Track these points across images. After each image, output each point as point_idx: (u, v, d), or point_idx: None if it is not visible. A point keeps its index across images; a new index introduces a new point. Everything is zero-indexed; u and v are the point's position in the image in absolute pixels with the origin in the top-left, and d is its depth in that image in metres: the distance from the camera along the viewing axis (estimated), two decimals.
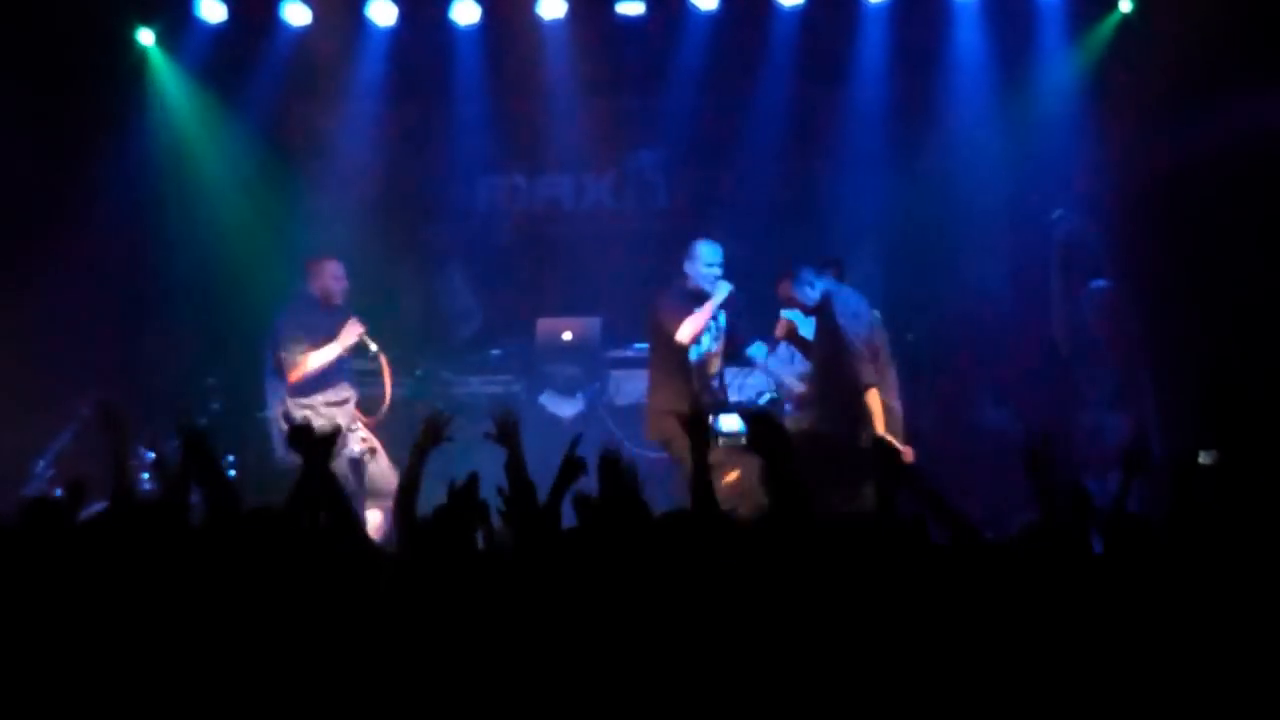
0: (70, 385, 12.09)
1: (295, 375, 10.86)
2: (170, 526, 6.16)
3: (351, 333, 10.92)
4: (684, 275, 10.92)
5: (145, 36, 13.14)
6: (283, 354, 10.90)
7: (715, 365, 11.03)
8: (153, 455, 10.76)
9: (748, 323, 11.20)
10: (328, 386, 11.00)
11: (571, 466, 6.37)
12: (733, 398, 11.23)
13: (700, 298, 10.81)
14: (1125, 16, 12.70)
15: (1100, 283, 12.04)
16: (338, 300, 11.10)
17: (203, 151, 13.37)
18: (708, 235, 11.70)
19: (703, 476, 6.23)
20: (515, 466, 6.41)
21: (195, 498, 6.50)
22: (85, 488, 6.88)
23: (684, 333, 10.75)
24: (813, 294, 10.65)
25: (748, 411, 6.33)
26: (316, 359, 10.86)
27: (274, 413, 11.02)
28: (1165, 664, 5.09)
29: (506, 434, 6.65)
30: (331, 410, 10.88)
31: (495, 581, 5.55)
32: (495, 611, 5.42)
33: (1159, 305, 12.22)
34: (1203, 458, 6.55)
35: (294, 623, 5.41)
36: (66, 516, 6.51)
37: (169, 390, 12.43)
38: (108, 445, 6.97)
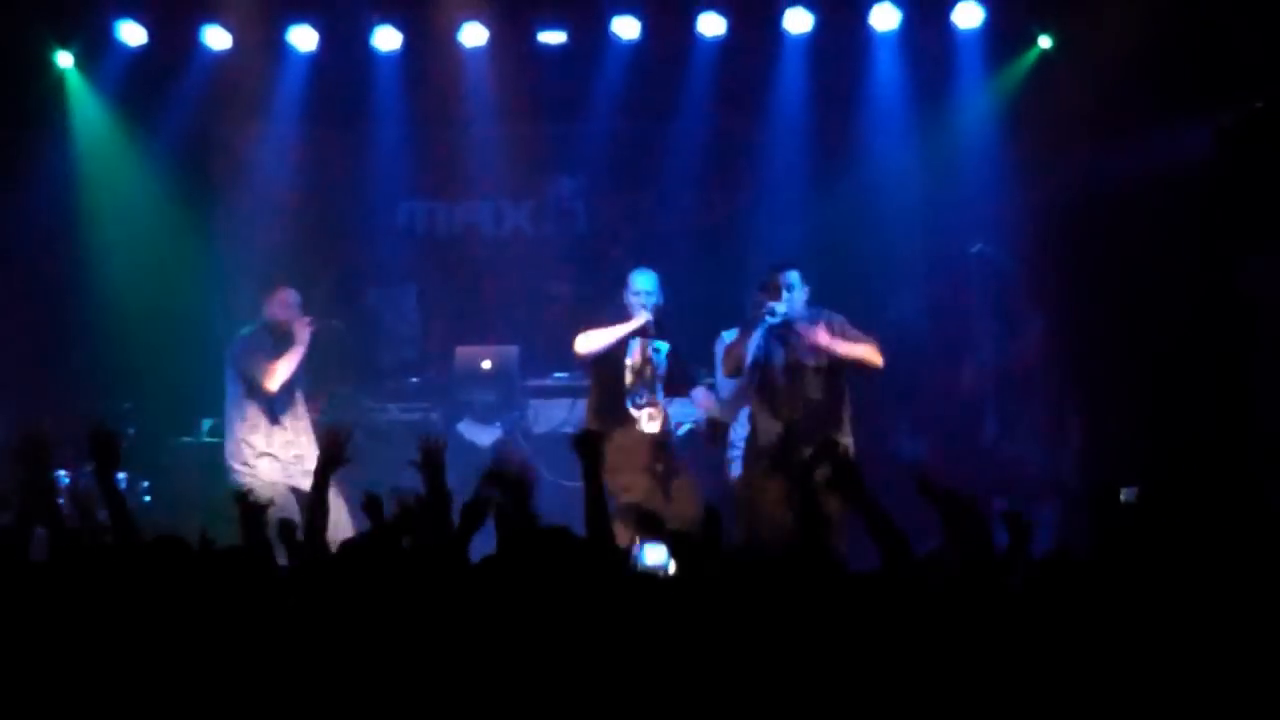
0: None
1: (271, 383, 10.84)
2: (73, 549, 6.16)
3: (304, 332, 10.89)
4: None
5: (64, 59, 13.05)
6: (252, 373, 10.87)
7: (644, 390, 10.95)
8: (68, 479, 10.66)
9: (687, 362, 11.14)
10: (288, 410, 11.00)
11: (480, 503, 6.34)
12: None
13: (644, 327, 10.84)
14: (1044, 52, 12.79)
15: (1034, 316, 12.15)
16: (288, 328, 11.06)
17: (120, 175, 13.29)
18: (636, 264, 11.73)
19: (597, 502, 6.27)
20: (436, 493, 6.40)
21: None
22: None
23: (579, 343, 10.78)
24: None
25: (826, 451, 6.17)
26: (286, 365, 10.83)
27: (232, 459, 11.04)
28: (1089, 700, 5.12)
29: (430, 463, 6.63)
30: (289, 452, 10.90)
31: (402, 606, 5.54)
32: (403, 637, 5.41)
33: (1075, 337, 12.32)
34: (1124, 494, 6.60)
35: (202, 650, 5.38)
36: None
37: (84, 414, 12.33)
38: (27, 470, 6.91)
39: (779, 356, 10.47)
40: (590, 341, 10.78)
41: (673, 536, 6.22)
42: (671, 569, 6.88)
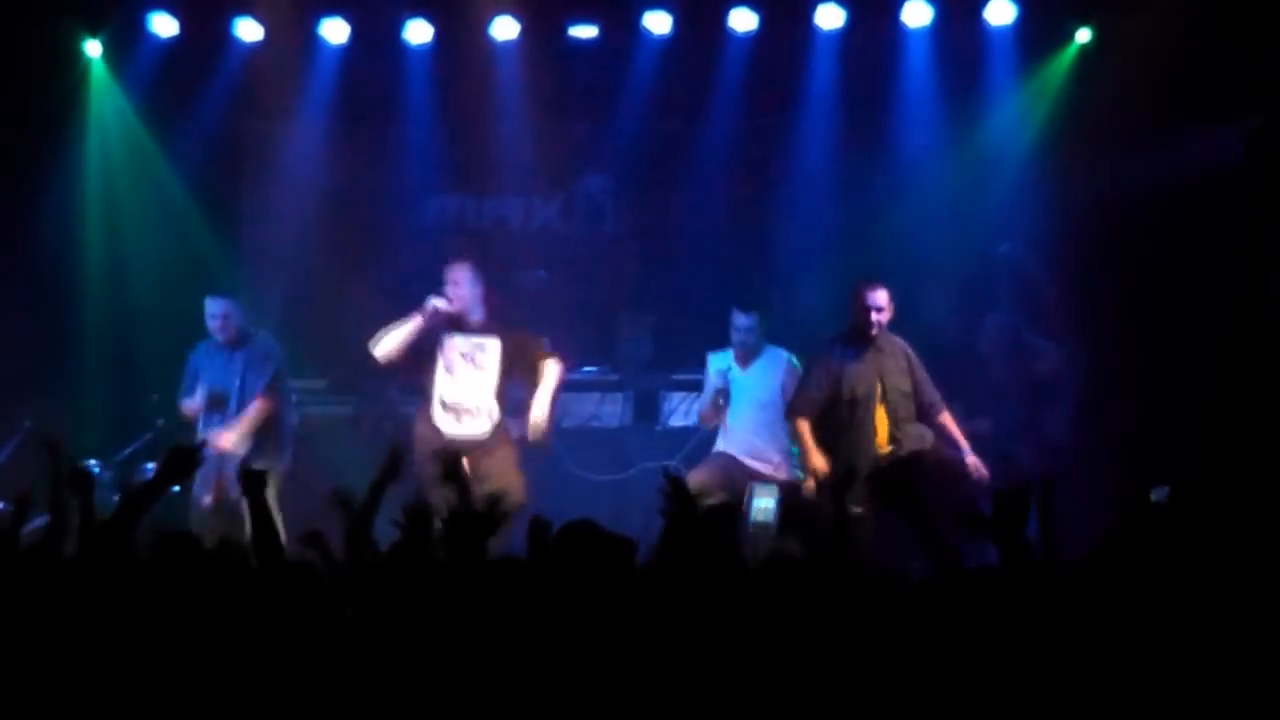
0: (9, 398, 12.01)
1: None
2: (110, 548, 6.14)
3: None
4: None
5: (93, 48, 13.05)
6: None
7: (461, 394, 10.87)
8: (98, 469, 10.68)
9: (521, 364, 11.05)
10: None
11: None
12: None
13: (449, 319, 10.88)
14: (1083, 47, 12.73)
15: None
16: (219, 338, 11.19)
17: (147, 166, 13.28)
18: (655, 260, 11.71)
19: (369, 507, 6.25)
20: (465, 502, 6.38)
21: None
22: (29, 502, 6.82)
23: (372, 349, 10.80)
24: None
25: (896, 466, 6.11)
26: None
27: None
28: (1126, 702, 5.09)
29: (452, 475, 6.61)
30: None
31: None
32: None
33: (1106, 337, 12.26)
34: (1155, 494, 6.55)
35: (241, 653, 5.38)
36: (10, 533, 6.46)
37: (111, 405, 12.37)
38: (47, 465, 6.92)
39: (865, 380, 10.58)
40: (376, 337, 10.82)
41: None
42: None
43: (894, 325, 10.83)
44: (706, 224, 13.84)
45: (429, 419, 10.72)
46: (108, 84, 13.17)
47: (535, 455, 11.51)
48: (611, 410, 12.35)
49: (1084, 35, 12.70)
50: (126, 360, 12.87)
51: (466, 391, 10.74)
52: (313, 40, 13.23)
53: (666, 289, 13.56)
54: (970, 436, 10.92)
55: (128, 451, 11.87)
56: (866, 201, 13.41)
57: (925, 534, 5.93)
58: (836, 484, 6.96)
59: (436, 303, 10.66)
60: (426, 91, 13.45)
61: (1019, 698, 5.11)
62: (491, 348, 10.80)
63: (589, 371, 12.71)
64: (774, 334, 11.60)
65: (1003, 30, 12.85)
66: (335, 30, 13.13)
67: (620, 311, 13.49)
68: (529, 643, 5.33)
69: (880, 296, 10.58)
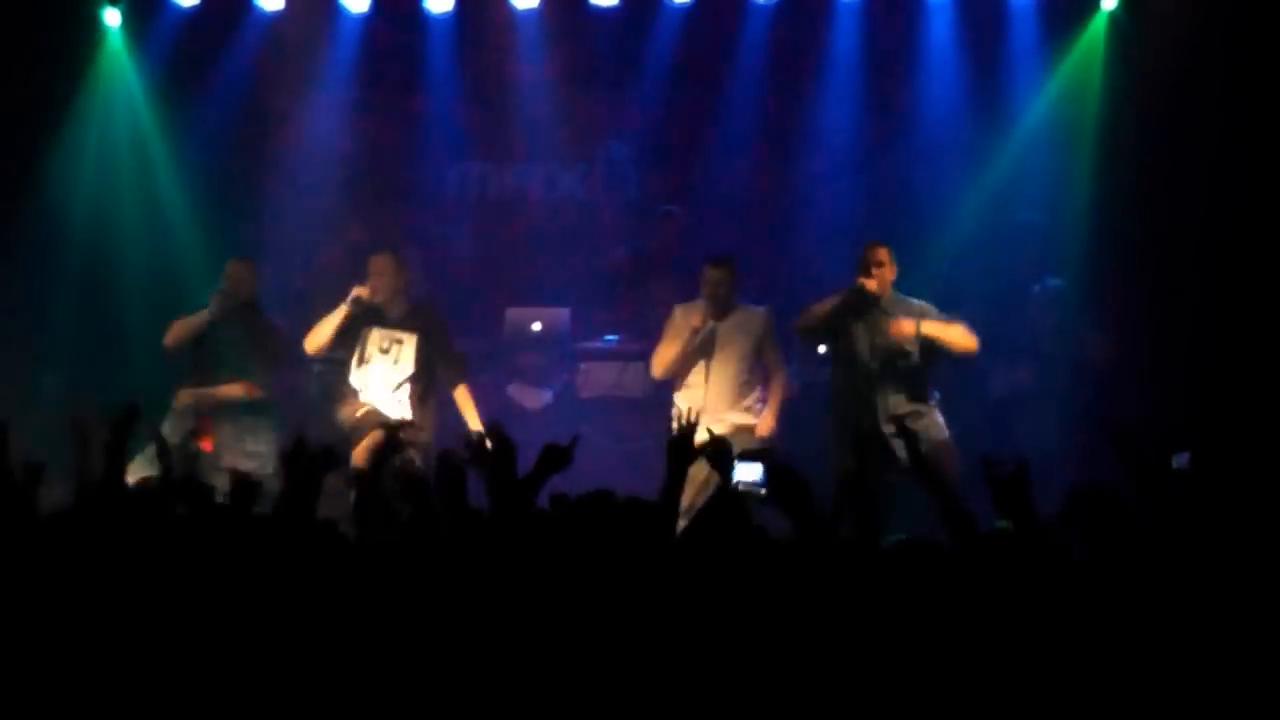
0: (32, 366, 12.06)
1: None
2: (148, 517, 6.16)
3: None
4: None
5: (111, 17, 13.03)
6: None
7: (371, 387, 10.79)
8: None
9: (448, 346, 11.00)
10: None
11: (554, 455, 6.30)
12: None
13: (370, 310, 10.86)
14: (1111, 14, 12.66)
15: (1052, 281, 12.06)
16: None
17: (167, 137, 13.27)
18: (679, 230, 11.66)
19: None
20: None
21: None
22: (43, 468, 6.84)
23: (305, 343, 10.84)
24: None
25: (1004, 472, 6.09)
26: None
27: None
28: (1145, 671, 5.08)
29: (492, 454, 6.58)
30: None
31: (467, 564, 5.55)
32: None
33: (1131, 310, 12.24)
34: (1176, 461, 6.53)
35: (270, 617, 5.39)
36: (27, 493, 6.46)
37: (138, 372, 12.38)
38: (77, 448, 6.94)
39: (864, 337, 10.50)
40: (311, 338, 10.84)
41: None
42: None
43: (915, 292, 10.83)
44: (729, 191, 13.83)
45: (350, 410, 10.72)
46: (123, 54, 13.13)
47: (561, 422, 11.56)
48: (634, 378, 12.32)
49: (1110, 2, 12.64)
50: (149, 336, 12.85)
51: (377, 384, 10.69)
52: (334, 9, 13.24)
53: (689, 257, 13.54)
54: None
55: None
56: (889, 170, 13.41)
57: (944, 500, 5.94)
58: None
59: (359, 292, 10.63)
60: (448, 60, 13.45)
61: (1042, 668, 5.11)
62: (409, 342, 10.72)
63: (611, 340, 12.71)
64: (792, 305, 11.56)
65: (1025, 1, 12.82)
66: None
67: (647, 279, 13.45)
68: (550, 614, 5.34)
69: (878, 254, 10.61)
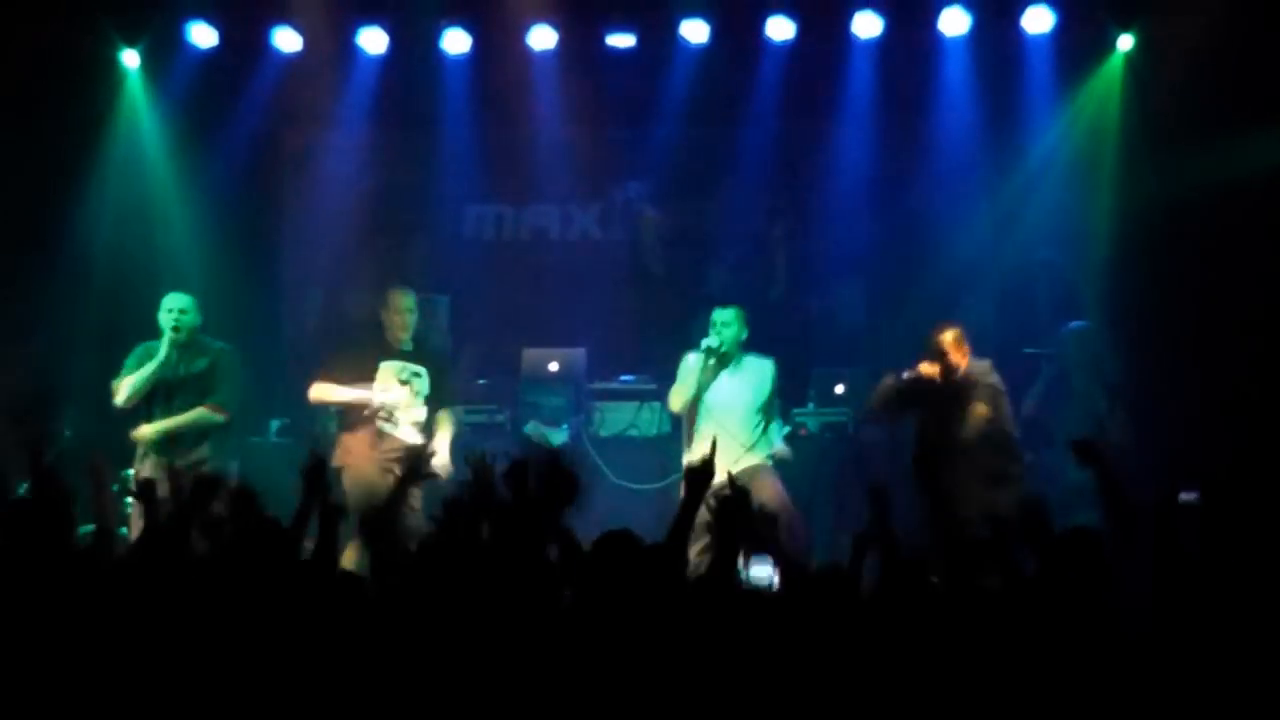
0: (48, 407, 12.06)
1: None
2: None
3: None
4: None
5: (130, 59, 13.07)
6: None
7: (403, 412, 10.70)
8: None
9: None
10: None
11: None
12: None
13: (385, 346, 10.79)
14: (1128, 55, 12.68)
15: (1078, 324, 12.04)
16: None
17: (184, 177, 13.30)
18: (694, 268, 11.62)
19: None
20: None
21: None
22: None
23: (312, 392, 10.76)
24: None
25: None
26: None
27: None
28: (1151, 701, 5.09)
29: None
30: None
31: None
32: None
33: (1145, 346, 12.23)
34: (1184, 497, 6.54)
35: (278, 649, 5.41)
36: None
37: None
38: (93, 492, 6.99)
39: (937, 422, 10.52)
40: (319, 394, 10.75)
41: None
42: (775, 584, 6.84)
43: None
44: (745, 229, 13.85)
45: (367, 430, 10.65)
46: (142, 96, 13.17)
47: (576, 462, 11.51)
48: (649, 419, 12.32)
49: (1126, 42, 12.65)
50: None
51: (397, 409, 10.61)
52: (351, 50, 13.24)
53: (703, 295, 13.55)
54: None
55: None
56: (904, 209, 13.41)
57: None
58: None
59: (385, 406, 10.57)
60: (464, 101, 13.46)
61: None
62: (424, 375, 10.69)
63: (627, 380, 12.70)
64: (809, 341, 11.56)
65: (1041, 38, 12.82)
66: (373, 40, 13.15)
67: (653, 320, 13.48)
68: (567, 652, 5.35)
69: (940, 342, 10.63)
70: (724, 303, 10.88)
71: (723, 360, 10.72)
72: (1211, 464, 10.12)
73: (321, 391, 10.67)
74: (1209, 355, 12.00)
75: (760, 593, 6.54)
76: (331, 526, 6.36)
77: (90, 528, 7.31)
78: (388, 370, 10.62)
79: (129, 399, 10.53)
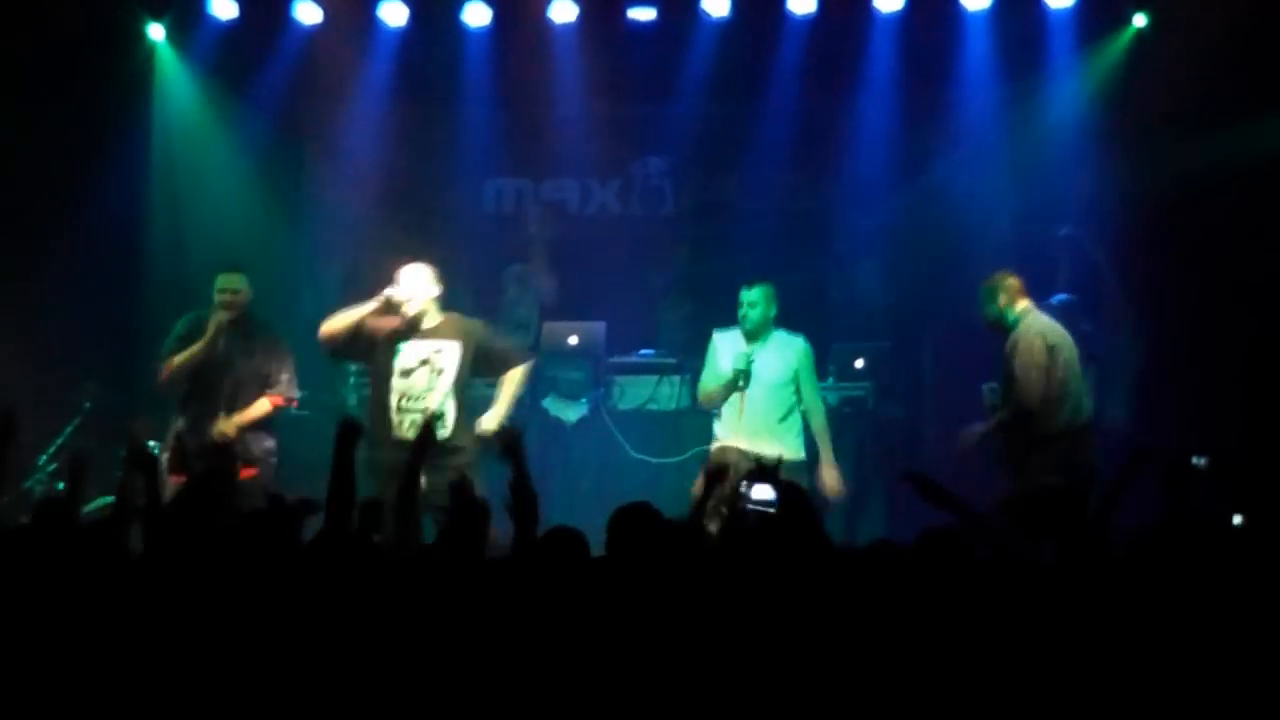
0: (71, 380, 12.08)
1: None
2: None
3: None
4: None
5: (155, 32, 13.11)
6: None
7: (416, 397, 10.27)
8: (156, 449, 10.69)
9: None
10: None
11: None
12: None
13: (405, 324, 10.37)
14: (1139, 31, 12.67)
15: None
16: None
17: (209, 148, 13.35)
18: (715, 242, 11.59)
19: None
20: (520, 480, 6.38)
21: None
22: (82, 475, 6.88)
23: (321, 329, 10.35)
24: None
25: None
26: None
27: None
28: (1163, 671, 5.09)
29: (512, 450, 6.60)
30: None
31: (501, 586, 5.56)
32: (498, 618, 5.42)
33: (1164, 321, 12.23)
34: (1195, 461, 6.57)
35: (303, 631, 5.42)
36: (68, 507, 6.51)
37: None
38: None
39: None
40: (326, 323, 10.32)
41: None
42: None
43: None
44: (766, 204, 13.84)
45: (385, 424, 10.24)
46: (175, 65, 13.21)
47: (595, 436, 11.56)
48: (668, 393, 12.32)
49: (1140, 20, 12.64)
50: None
51: (423, 395, 10.24)
52: (372, 23, 13.26)
53: (723, 271, 13.54)
54: None
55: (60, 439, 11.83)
56: (925, 184, 13.40)
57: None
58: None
59: (390, 293, 10.21)
60: (485, 75, 13.46)
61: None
62: (450, 349, 10.29)
63: (646, 354, 12.70)
64: (829, 316, 11.54)
65: (1062, 13, 12.82)
66: (394, 13, 13.16)
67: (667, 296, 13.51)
68: (587, 625, 5.35)
69: None
70: (750, 281, 10.80)
71: (752, 338, 10.69)
72: (1226, 436, 10.18)
73: (331, 323, 10.24)
74: (1227, 332, 12.02)
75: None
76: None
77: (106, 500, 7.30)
78: (411, 349, 10.45)
79: (172, 380, 10.50)
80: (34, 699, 5.30)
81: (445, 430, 10.00)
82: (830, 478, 10.60)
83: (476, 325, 10.47)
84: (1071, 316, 11.28)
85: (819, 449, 10.69)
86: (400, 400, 10.27)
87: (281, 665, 5.31)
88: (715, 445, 10.57)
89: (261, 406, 10.54)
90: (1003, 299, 10.32)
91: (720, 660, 5.21)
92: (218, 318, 10.46)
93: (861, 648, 5.21)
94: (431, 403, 10.17)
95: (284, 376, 10.65)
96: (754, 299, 10.62)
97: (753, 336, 10.64)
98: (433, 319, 10.36)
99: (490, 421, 9.94)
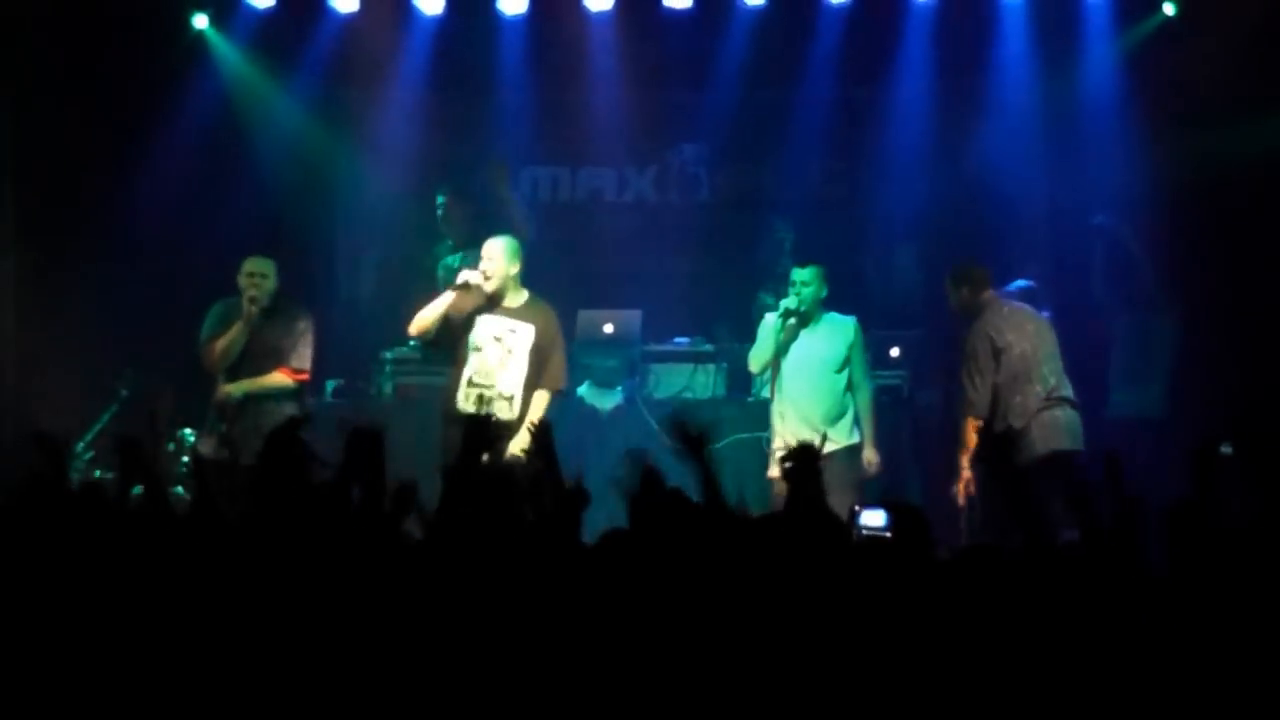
0: (110, 367, 12.14)
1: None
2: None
3: None
4: None
5: (199, 20, 13.16)
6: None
7: (487, 374, 10.43)
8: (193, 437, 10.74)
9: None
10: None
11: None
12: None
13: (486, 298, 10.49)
14: (1167, 19, 12.65)
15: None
16: None
17: (247, 136, 13.37)
18: (751, 229, 11.59)
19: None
20: (551, 474, 6.36)
21: None
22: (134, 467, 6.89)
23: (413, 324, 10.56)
24: None
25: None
26: None
27: None
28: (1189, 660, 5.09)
29: (542, 445, 6.58)
30: None
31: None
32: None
33: (1198, 308, 12.22)
34: (1224, 448, 6.55)
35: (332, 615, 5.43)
36: (119, 498, 6.52)
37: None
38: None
39: None
40: (416, 321, 10.50)
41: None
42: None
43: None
44: (801, 192, 13.84)
45: (454, 398, 10.42)
46: (220, 53, 13.26)
47: (630, 424, 11.56)
48: (704, 381, 12.32)
49: (1169, 8, 12.62)
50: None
51: (492, 372, 10.43)
52: (407, 11, 13.29)
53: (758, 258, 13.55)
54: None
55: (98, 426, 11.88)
56: (960, 170, 13.39)
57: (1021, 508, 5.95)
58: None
59: (468, 276, 10.38)
60: (520, 62, 13.48)
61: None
62: (524, 332, 10.44)
63: (682, 342, 12.70)
64: (865, 304, 11.53)
65: (1098, 3, 12.80)
66: (430, 1, 13.17)
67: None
68: (623, 615, 5.36)
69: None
70: (802, 262, 10.92)
71: (803, 319, 10.75)
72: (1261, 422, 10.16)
73: (419, 320, 10.44)
74: (1263, 320, 12.01)
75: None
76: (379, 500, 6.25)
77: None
78: (485, 323, 10.45)
79: (220, 365, 10.55)
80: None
81: (512, 413, 10.15)
82: (871, 458, 10.76)
83: (553, 319, 10.53)
84: (1033, 303, 11.32)
85: (862, 429, 10.81)
86: (471, 376, 10.33)
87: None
88: (777, 438, 10.65)
89: (274, 378, 10.58)
90: (965, 291, 10.58)
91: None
92: (250, 300, 10.54)
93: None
94: (499, 382, 10.25)
95: (296, 349, 10.67)
96: (806, 278, 10.75)
97: (805, 318, 10.73)
98: (515, 297, 10.41)
99: (517, 446, 9.98)
